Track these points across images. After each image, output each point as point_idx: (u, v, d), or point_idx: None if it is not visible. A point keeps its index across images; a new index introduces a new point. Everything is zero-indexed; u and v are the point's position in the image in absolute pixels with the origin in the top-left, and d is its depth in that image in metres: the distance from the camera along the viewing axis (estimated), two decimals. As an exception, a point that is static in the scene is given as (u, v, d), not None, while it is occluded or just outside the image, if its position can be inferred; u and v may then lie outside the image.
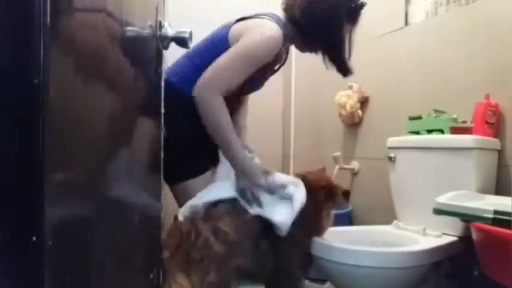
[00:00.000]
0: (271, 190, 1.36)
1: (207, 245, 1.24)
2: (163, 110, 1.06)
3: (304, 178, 1.46)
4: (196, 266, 1.23)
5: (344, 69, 1.51)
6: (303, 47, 1.55)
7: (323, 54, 1.50)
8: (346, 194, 1.49)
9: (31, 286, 0.47)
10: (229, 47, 1.38)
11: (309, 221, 1.44)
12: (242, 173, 1.35)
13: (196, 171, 1.46)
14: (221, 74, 1.34)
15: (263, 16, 1.43)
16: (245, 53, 1.35)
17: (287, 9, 1.46)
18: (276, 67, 1.57)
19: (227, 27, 1.44)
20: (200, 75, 1.40)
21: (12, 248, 0.47)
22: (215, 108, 1.32)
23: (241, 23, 1.43)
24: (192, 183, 1.45)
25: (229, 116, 1.34)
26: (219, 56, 1.39)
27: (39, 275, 0.47)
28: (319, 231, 1.46)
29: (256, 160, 1.48)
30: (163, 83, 1.04)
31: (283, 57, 1.57)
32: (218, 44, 1.42)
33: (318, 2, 1.42)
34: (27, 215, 0.47)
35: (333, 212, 1.52)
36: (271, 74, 1.59)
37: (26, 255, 0.47)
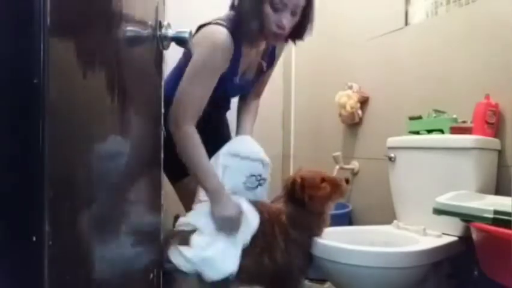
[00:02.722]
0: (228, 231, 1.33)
1: None
2: (163, 110, 1.06)
3: (298, 178, 1.45)
4: None
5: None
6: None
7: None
8: (348, 182, 1.48)
9: (31, 286, 0.47)
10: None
11: (316, 218, 1.44)
12: (212, 201, 1.33)
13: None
14: (184, 103, 1.30)
15: (216, 20, 1.35)
16: (196, 72, 1.31)
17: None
18: (262, 67, 1.53)
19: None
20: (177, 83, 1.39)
21: (12, 248, 0.47)
22: (186, 143, 1.31)
23: (197, 34, 1.36)
24: (190, 180, 1.46)
25: (201, 146, 1.31)
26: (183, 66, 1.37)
27: (39, 275, 0.47)
28: (318, 230, 1.46)
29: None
30: (163, 83, 1.04)
31: (263, 55, 1.50)
32: (186, 53, 1.40)
33: None
34: (27, 215, 0.47)
35: (330, 212, 1.51)
36: (260, 74, 1.55)
37: (26, 255, 0.47)
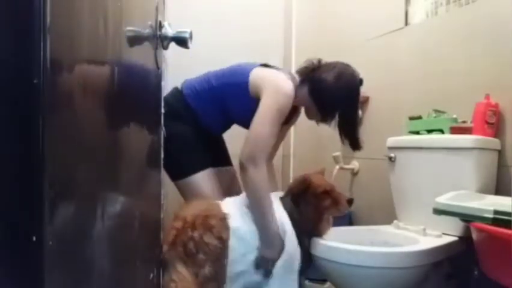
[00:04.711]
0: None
1: (202, 239, 1.27)
2: (163, 110, 1.06)
3: (308, 181, 1.48)
4: (191, 259, 1.25)
5: (357, 144, 1.59)
6: (314, 116, 1.59)
7: (339, 129, 1.56)
8: (350, 202, 1.52)
9: (31, 286, 0.47)
10: (247, 85, 1.50)
11: (309, 223, 1.46)
12: (267, 244, 1.38)
13: (196, 167, 1.55)
14: (262, 143, 1.42)
15: (280, 70, 1.55)
16: (273, 115, 1.44)
17: (309, 77, 1.53)
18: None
19: (251, 66, 1.55)
20: (209, 96, 1.55)
21: (12, 248, 0.47)
22: (260, 180, 1.39)
23: (262, 71, 1.54)
24: (194, 178, 1.54)
25: (268, 185, 1.42)
26: (232, 85, 1.52)
27: (39, 275, 0.47)
28: (318, 233, 1.47)
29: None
30: (163, 83, 1.04)
31: (292, 115, 1.63)
32: (238, 76, 1.53)
33: (344, 75, 1.49)
34: (27, 215, 0.47)
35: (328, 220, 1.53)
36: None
37: (26, 255, 0.47)
